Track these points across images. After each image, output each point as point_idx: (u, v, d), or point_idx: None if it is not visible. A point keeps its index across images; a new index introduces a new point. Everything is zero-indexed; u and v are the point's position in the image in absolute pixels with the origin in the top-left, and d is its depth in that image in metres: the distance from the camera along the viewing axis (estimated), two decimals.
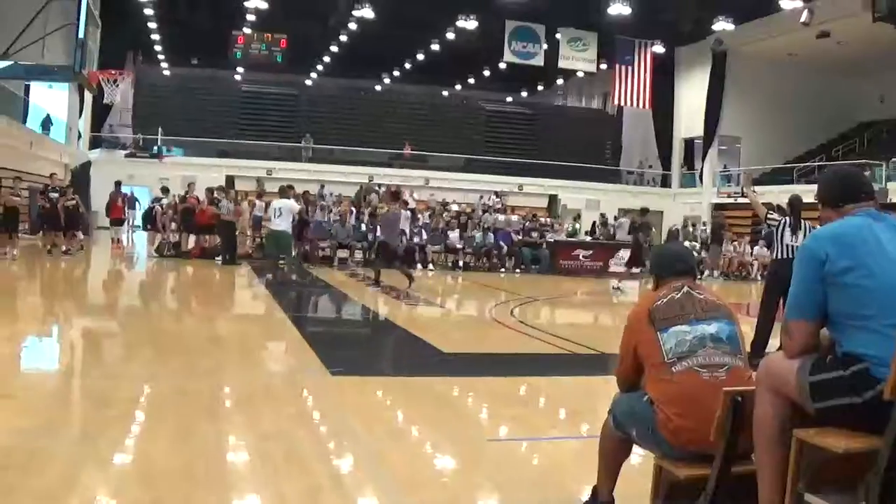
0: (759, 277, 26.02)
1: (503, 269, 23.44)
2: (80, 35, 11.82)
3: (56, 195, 20.40)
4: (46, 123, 29.65)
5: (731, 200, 32.57)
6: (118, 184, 24.27)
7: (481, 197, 32.60)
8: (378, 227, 19.09)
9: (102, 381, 6.71)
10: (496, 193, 32.37)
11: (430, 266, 22.90)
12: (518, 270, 23.47)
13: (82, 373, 7.41)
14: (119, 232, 24.39)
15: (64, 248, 20.25)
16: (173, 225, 22.46)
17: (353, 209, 24.67)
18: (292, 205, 16.50)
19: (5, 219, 18.55)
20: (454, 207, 28.94)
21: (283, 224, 16.06)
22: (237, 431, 5.34)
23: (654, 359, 3.45)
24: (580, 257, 23.86)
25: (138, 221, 26.28)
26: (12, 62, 12.17)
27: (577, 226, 29.02)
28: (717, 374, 3.33)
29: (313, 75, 45.81)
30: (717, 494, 3.12)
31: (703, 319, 3.47)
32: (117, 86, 15.43)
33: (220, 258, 20.32)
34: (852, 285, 2.82)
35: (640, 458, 4.12)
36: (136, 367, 7.48)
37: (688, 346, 3.39)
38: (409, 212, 22.78)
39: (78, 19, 11.95)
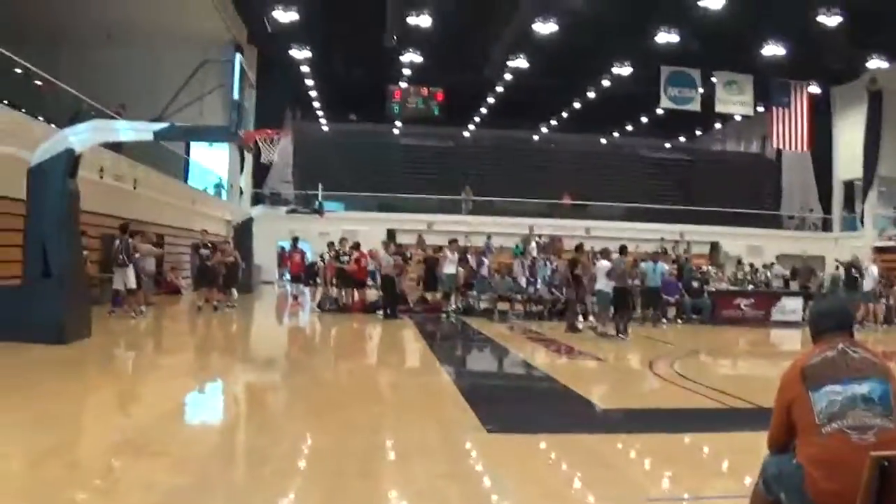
0: None
1: (665, 321, 22.33)
2: (235, 96, 12.42)
3: (207, 251, 20.31)
4: (218, 187, 31.29)
5: (893, 244, 30.82)
6: (295, 240, 24.35)
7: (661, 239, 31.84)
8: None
9: (259, 437, 6.87)
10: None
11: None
12: (680, 321, 22.55)
13: (239, 429, 7.60)
14: (298, 288, 24.08)
15: (215, 303, 20.02)
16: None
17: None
18: None
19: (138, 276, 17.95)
20: (614, 256, 28.18)
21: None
22: (393, 488, 5.41)
23: (805, 419, 3.40)
24: (741, 306, 23.13)
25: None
26: (170, 124, 12.84)
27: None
28: (865, 436, 3.24)
29: (470, 127, 46.49)
30: None
31: (856, 379, 3.38)
32: (274, 145, 15.94)
33: (381, 312, 20.60)
34: None
35: None
36: (293, 423, 7.62)
37: (838, 406, 3.32)
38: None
39: (232, 80, 12.55)
